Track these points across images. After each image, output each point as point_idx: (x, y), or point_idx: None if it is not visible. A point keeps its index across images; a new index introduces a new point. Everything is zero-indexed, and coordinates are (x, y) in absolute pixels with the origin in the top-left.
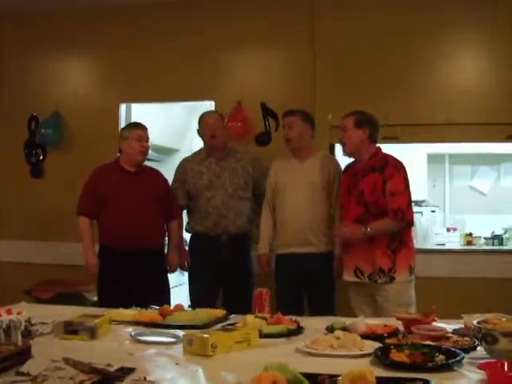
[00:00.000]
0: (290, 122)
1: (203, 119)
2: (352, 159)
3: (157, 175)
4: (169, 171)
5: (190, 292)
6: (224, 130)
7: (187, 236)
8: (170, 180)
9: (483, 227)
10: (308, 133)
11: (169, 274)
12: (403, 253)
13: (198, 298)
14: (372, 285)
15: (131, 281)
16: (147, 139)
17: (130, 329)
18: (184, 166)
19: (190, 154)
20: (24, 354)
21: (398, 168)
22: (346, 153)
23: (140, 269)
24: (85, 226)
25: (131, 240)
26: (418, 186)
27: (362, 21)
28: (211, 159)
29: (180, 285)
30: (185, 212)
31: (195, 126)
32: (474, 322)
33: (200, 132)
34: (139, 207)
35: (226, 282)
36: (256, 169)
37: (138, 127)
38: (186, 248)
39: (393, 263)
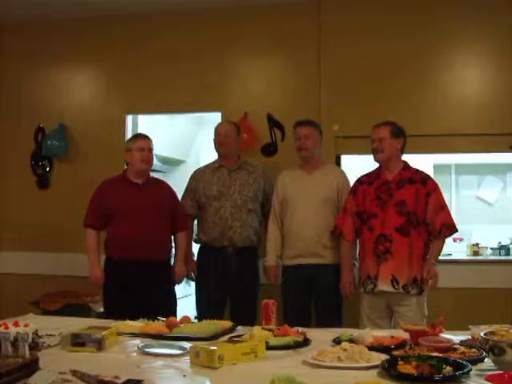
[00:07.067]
0: (306, 132)
1: (216, 128)
2: (357, 172)
3: (164, 187)
4: (175, 182)
5: (196, 303)
6: (237, 141)
7: (196, 247)
8: (177, 191)
9: (490, 237)
10: (320, 145)
11: (176, 286)
12: None
13: (205, 309)
14: (395, 296)
15: (137, 292)
16: (150, 149)
17: (138, 341)
18: (195, 177)
19: (196, 165)
20: (31, 367)
21: (436, 183)
22: (379, 160)
23: (146, 280)
24: (91, 238)
25: (137, 252)
26: None
27: (368, 31)
28: (223, 170)
29: (186, 296)
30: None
31: (202, 136)
32: (481, 334)
33: (214, 141)
34: (145, 219)
35: (232, 294)
36: (267, 182)
37: (140, 138)
38: (194, 259)
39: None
